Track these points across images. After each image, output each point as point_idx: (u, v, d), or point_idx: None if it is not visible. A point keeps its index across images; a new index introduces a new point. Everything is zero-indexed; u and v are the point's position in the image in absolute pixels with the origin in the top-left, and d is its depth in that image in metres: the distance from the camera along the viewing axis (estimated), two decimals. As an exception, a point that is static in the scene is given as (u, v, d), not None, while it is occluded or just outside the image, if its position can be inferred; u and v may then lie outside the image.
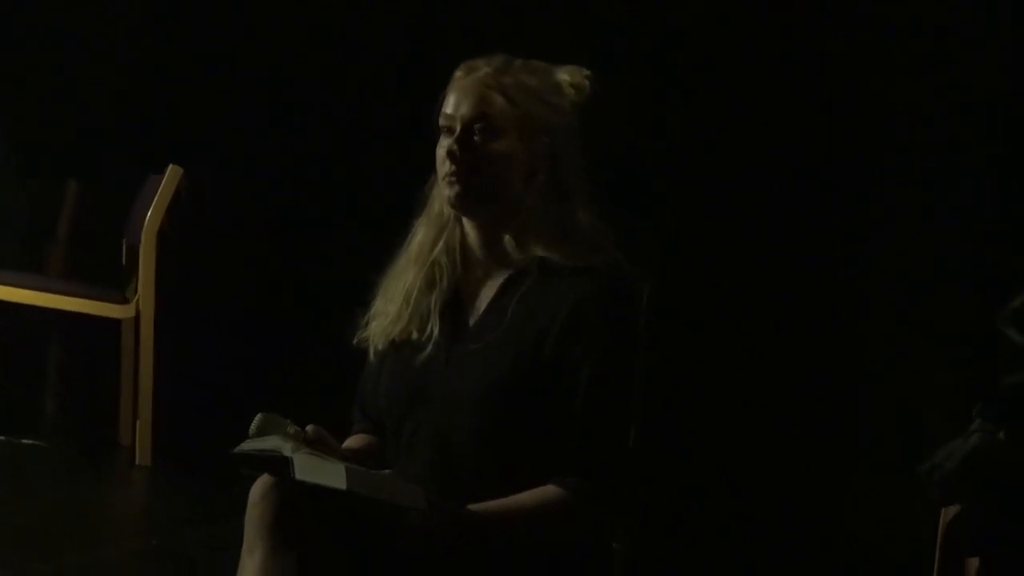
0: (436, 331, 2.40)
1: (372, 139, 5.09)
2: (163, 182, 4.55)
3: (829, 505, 4.00)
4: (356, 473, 2.17)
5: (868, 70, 3.92)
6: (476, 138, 2.36)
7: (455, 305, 2.43)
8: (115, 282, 4.83)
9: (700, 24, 4.10)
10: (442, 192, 2.41)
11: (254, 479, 2.26)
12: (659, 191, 4.10)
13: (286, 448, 2.21)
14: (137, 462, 4.51)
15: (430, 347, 2.40)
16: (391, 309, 2.45)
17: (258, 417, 2.31)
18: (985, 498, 2.24)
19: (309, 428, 2.30)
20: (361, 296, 2.52)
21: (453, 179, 2.37)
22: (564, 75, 2.43)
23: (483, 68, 2.39)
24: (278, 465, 2.21)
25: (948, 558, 2.32)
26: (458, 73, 2.42)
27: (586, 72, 2.44)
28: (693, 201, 4.09)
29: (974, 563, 2.27)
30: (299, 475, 2.17)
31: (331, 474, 2.15)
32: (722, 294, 4.18)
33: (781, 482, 4.11)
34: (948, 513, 2.32)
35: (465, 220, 2.43)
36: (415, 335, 2.42)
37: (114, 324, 4.69)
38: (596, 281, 2.34)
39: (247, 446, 2.25)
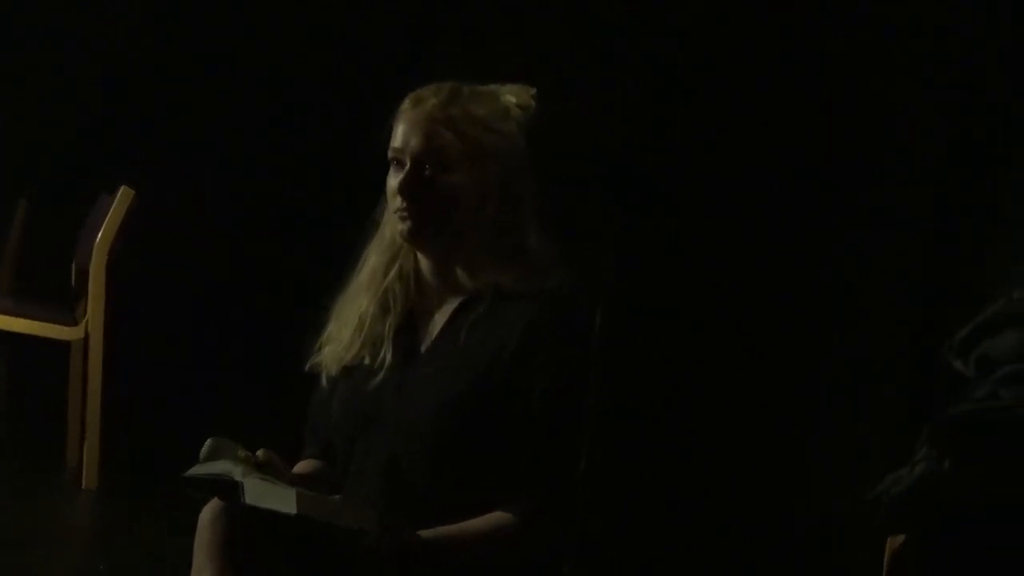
0: (389, 356, 2.41)
1: (326, 162, 5.09)
2: (114, 204, 4.53)
3: (777, 534, 4.02)
4: (306, 498, 2.17)
5: (868, 70, 3.92)
6: (426, 173, 2.37)
7: (408, 330, 2.44)
8: (64, 304, 4.80)
9: (700, 24, 4.11)
10: (394, 225, 2.41)
11: (204, 502, 2.26)
12: (645, 198, 4.12)
13: (236, 472, 2.21)
14: (84, 485, 4.48)
15: (383, 371, 2.40)
16: (344, 335, 2.46)
17: (209, 441, 2.30)
18: (930, 527, 2.26)
19: (260, 452, 2.30)
20: (314, 320, 2.52)
21: (405, 214, 2.38)
22: (510, 96, 2.44)
23: (430, 100, 2.39)
24: (228, 489, 2.21)
25: (894, 586, 2.34)
26: (405, 105, 2.41)
27: (532, 91, 2.45)
28: (655, 219, 4.12)
29: (919, 592, 2.29)
30: (249, 500, 2.17)
31: (281, 499, 2.15)
32: (674, 320, 4.20)
33: (730, 510, 4.12)
34: (894, 542, 2.33)
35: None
36: (368, 360, 2.43)
37: (63, 345, 4.66)
38: (546, 306, 2.36)
39: (197, 470, 2.25)
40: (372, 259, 2.47)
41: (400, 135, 2.39)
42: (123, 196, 4.54)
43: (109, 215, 4.52)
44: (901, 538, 2.31)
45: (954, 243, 3.75)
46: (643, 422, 4.16)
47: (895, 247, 3.91)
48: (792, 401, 4.15)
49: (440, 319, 2.42)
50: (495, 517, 2.30)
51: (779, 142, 4.05)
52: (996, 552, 2.19)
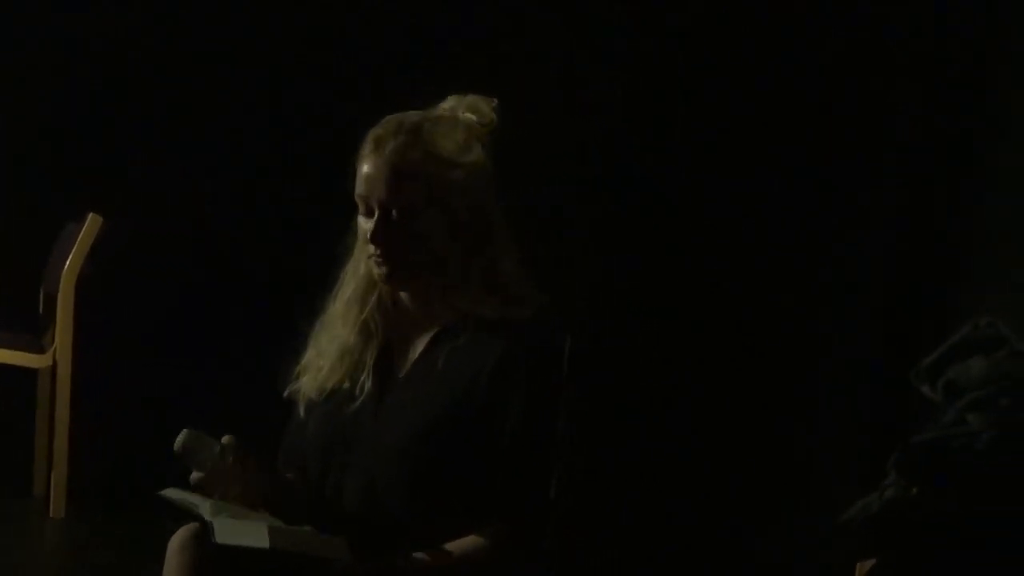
0: (369, 383, 2.41)
1: (298, 183, 5.08)
2: (82, 230, 4.51)
3: (750, 554, 4.03)
4: (278, 531, 2.17)
5: (868, 70, 3.93)
6: (394, 220, 2.35)
7: (386, 356, 2.45)
8: (32, 331, 4.77)
9: (700, 24, 4.12)
10: (369, 264, 2.41)
11: (172, 527, 2.26)
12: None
13: (206, 510, 2.20)
14: (51, 514, 4.45)
15: (361, 397, 2.41)
16: (323, 363, 2.46)
17: (183, 433, 2.30)
18: (899, 551, 2.27)
19: (226, 439, 2.30)
20: (287, 348, 2.52)
21: (380, 260, 2.38)
22: (470, 115, 2.42)
23: (391, 143, 2.36)
24: (200, 520, 2.21)
25: (863, 611, 2.34)
26: (366, 148, 2.38)
27: (492, 102, 2.44)
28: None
29: (888, 616, 2.29)
30: (220, 539, 2.17)
31: (252, 534, 2.15)
32: (641, 345, 4.21)
33: (701, 534, 4.12)
34: (864, 567, 2.34)
35: None
36: (346, 385, 2.43)
37: (30, 373, 4.63)
38: (522, 334, 2.36)
39: (173, 494, 2.25)
40: (349, 288, 2.47)
41: (364, 181, 2.37)
42: (91, 223, 4.52)
43: (77, 242, 4.50)
44: (870, 562, 2.32)
45: (920, 269, 3.77)
46: (615, 449, 4.16)
47: (860, 274, 3.93)
48: (761, 428, 4.16)
49: (418, 346, 2.43)
50: (468, 541, 2.31)
51: (763, 150, 4.06)
52: (963, 573, 2.20)
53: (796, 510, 3.95)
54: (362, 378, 2.41)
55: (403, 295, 2.44)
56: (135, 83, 5.15)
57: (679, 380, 4.07)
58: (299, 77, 5.07)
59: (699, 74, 4.17)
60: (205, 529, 2.19)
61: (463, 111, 2.43)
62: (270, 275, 4.93)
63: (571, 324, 2.44)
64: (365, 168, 2.37)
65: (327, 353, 2.46)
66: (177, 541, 2.22)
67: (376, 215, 2.36)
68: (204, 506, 2.20)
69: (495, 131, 2.43)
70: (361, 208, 2.39)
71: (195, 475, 2.33)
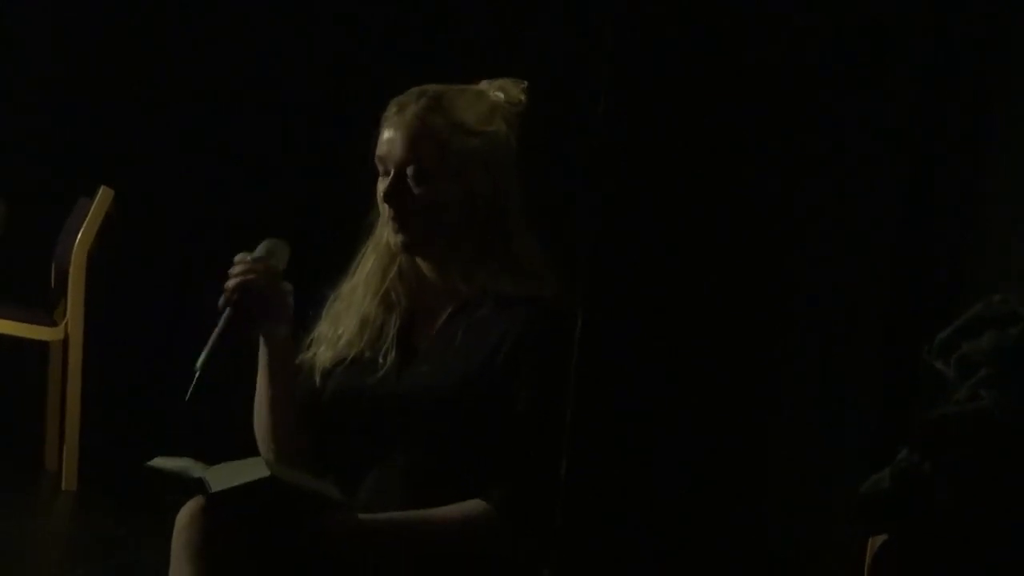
0: (393, 352, 2.43)
1: (307, 159, 5.08)
2: (94, 204, 4.51)
3: (757, 532, 4.03)
4: (274, 465, 2.20)
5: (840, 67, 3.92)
6: (409, 182, 2.38)
7: (407, 328, 2.47)
8: (44, 305, 4.78)
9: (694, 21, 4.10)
10: (389, 238, 2.43)
11: (169, 501, 2.26)
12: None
13: (196, 470, 2.22)
14: (63, 487, 4.46)
15: (385, 366, 2.42)
16: (341, 333, 2.47)
17: (265, 242, 2.43)
18: (911, 528, 2.26)
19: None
20: (300, 320, 2.53)
21: (395, 225, 2.40)
22: (498, 93, 2.44)
23: (412, 107, 2.39)
24: (194, 486, 2.22)
25: (874, 587, 2.34)
26: (389, 111, 2.42)
27: (522, 84, 2.46)
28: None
29: (900, 592, 2.29)
30: (216, 487, 2.18)
31: (249, 470, 2.17)
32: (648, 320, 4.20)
33: (707, 510, 4.13)
34: (875, 543, 2.34)
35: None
36: (368, 354, 2.45)
37: (42, 347, 4.64)
38: (540, 310, 2.39)
39: (162, 463, 2.26)
40: (370, 261, 2.49)
41: (384, 142, 2.41)
42: (103, 197, 4.52)
43: (89, 216, 4.51)
44: (882, 538, 2.32)
45: (932, 245, 3.75)
46: (622, 425, 4.15)
47: (867, 248, 3.91)
48: (768, 402, 4.15)
49: (439, 319, 2.44)
50: (470, 504, 2.33)
51: (758, 139, 4.05)
52: (976, 552, 2.20)
53: (807, 486, 3.94)
54: (385, 347, 2.43)
55: (422, 266, 2.45)
56: (151, 56, 5.15)
57: (683, 361, 4.06)
58: (315, 51, 5.07)
59: (692, 79, 4.16)
60: (197, 486, 2.20)
61: (492, 90, 2.45)
62: (293, 255, 4.93)
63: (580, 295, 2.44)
64: (385, 132, 2.41)
65: (345, 323, 2.47)
66: (185, 516, 2.23)
67: (391, 176, 2.38)
68: (194, 468, 2.22)
69: (522, 112, 2.44)
70: (380, 171, 2.42)
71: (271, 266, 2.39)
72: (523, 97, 2.44)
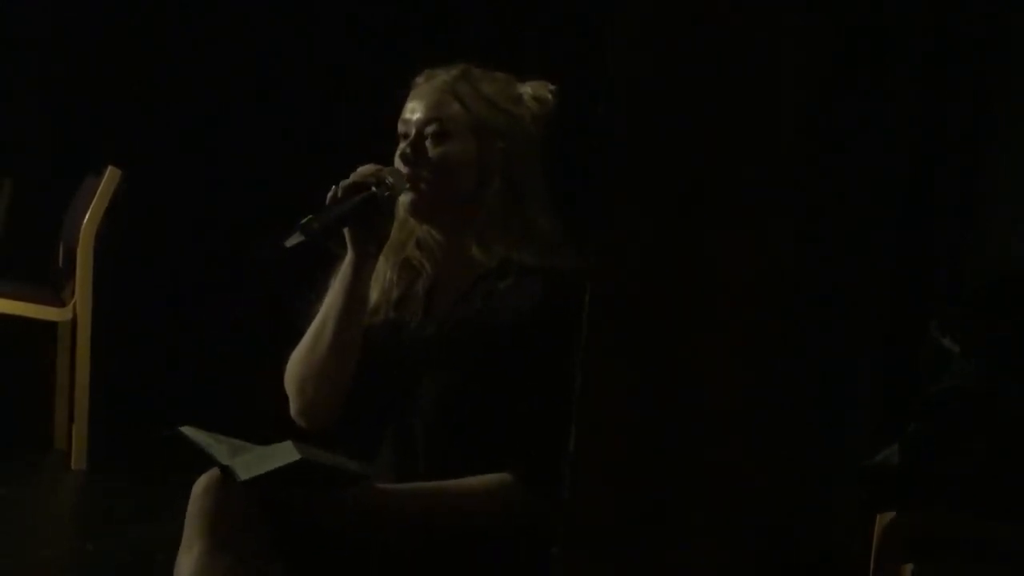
0: (419, 315, 2.45)
1: (311, 142, 5.08)
2: (101, 183, 4.51)
3: (766, 510, 4.03)
4: (303, 447, 2.19)
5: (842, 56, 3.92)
6: (428, 142, 2.41)
7: (431, 295, 2.49)
8: (52, 284, 4.78)
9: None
10: (401, 199, 2.45)
11: (196, 462, 2.27)
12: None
13: (222, 453, 2.22)
14: (73, 466, 4.47)
15: (408, 329, 2.45)
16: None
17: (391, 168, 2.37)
18: (920, 503, 2.27)
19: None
20: (305, 294, 2.54)
21: (408, 186, 2.42)
22: (527, 88, 2.49)
23: (441, 75, 2.45)
24: (221, 472, 2.22)
25: (883, 563, 2.34)
26: (418, 80, 2.47)
27: (551, 86, 2.49)
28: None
29: (908, 569, 2.30)
30: (244, 476, 2.18)
31: (279, 454, 2.17)
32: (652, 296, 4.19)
33: (717, 490, 4.12)
34: (884, 518, 2.34)
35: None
36: (392, 315, 2.47)
37: (50, 327, 4.65)
38: (558, 281, 2.40)
39: (191, 433, 2.26)
40: (392, 232, 2.49)
41: (409, 107, 2.46)
42: (111, 176, 4.52)
43: (97, 195, 4.50)
44: (890, 514, 2.32)
45: (932, 245, 3.74)
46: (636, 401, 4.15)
47: (867, 248, 3.90)
48: (776, 382, 4.14)
49: (460, 287, 2.47)
50: (494, 477, 2.35)
51: (762, 128, 4.04)
52: (984, 526, 2.21)
53: (815, 461, 3.95)
54: (411, 310, 2.46)
55: (435, 234, 2.47)
56: (160, 36, 5.15)
57: (691, 338, 4.05)
58: (330, 34, 5.07)
59: (692, 79, 4.15)
60: (224, 472, 2.21)
61: (522, 83, 2.50)
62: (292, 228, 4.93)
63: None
64: (412, 96, 2.46)
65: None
66: (201, 485, 2.23)
67: (412, 136, 2.42)
68: (220, 449, 2.22)
69: (549, 112, 2.47)
70: (400, 136, 2.45)
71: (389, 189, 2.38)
72: (550, 97, 2.48)
